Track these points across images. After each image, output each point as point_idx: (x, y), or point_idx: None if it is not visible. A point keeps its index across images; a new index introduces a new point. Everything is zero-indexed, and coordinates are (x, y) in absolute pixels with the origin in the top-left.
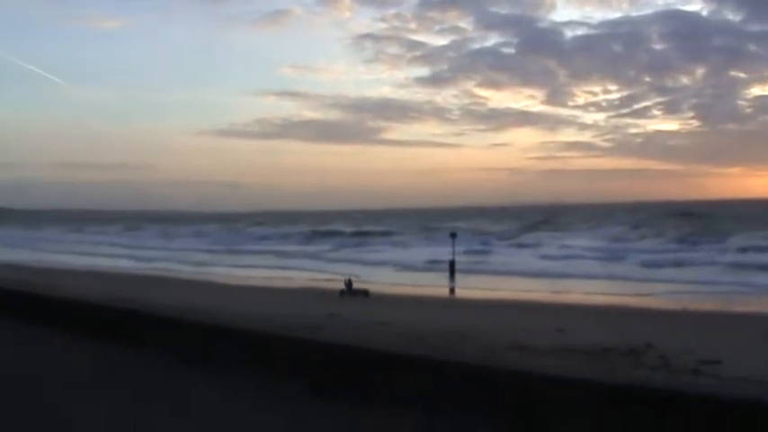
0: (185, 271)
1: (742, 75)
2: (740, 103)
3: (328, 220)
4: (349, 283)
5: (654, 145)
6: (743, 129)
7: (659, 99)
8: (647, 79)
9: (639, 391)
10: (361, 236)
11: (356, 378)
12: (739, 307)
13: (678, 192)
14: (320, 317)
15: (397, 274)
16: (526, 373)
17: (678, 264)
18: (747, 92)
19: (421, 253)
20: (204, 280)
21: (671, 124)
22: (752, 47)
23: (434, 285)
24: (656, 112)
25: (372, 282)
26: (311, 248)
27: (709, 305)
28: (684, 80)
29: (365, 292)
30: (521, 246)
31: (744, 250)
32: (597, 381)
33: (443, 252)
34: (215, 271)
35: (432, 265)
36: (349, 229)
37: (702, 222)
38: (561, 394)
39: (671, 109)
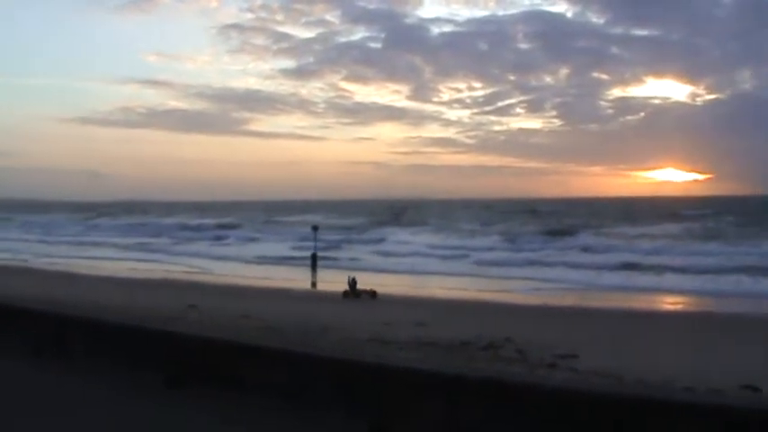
0: (31, 261)
1: (604, 76)
2: (602, 103)
3: (186, 210)
4: (353, 283)
5: (517, 143)
6: (604, 129)
7: (523, 97)
8: (512, 78)
9: (493, 383)
10: (221, 228)
11: (212, 369)
12: (594, 303)
13: (540, 189)
14: (179, 309)
15: (256, 267)
16: (380, 365)
17: (527, 262)
18: (609, 93)
19: (281, 246)
20: (46, 270)
21: (534, 123)
22: (614, 49)
23: (296, 279)
24: (519, 110)
25: (228, 275)
26: (161, 241)
27: (567, 301)
28: (548, 79)
29: (372, 293)
30: (367, 241)
31: (586, 249)
32: (451, 373)
33: (304, 245)
34: (62, 261)
35: (289, 260)
36: (208, 221)
37: (554, 220)
38: (413, 385)
39: (534, 108)
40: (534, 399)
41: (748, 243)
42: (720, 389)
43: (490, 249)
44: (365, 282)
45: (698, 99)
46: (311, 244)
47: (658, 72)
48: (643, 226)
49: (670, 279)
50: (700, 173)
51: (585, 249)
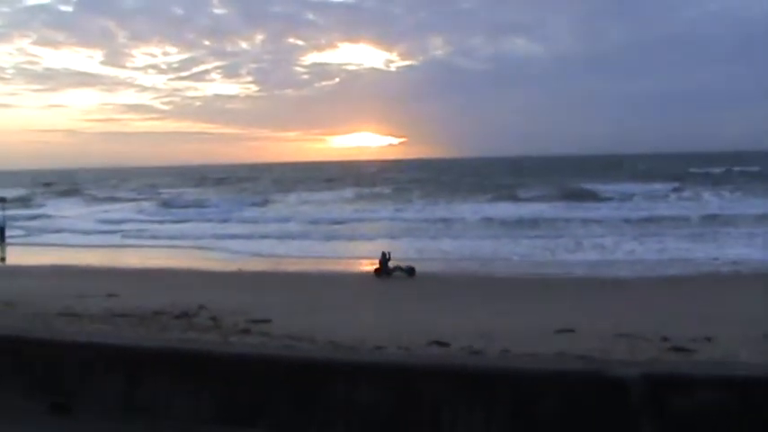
0: None
1: (300, 42)
2: (297, 69)
3: None
4: (386, 259)
5: (213, 108)
6: (300, 94)
7: (218, 63)
8: (207, 43)
9: (174, 354)
10: None
11: None
12: (288, 268)
13: (236, 155)
14: None
15: None
16: (59, 342)
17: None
18: (304, 58)
19: None
20: None
21: (230, 88)
22: (310, 15)
23: None
24: (215, 75)
25: None
26: None
27: (260, 266)
28: (244, 45)
29: (410, 270)
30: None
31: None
32: (130, 345)
33: None
34: None
35: None
36: None
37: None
38: (93, 360)
39: (230, 73)
40: (218, 367)
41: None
42: (409, 346)
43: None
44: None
45: (392, 65)
46: None
47: (353, 38)
48: (329, 191)
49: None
50: (395, 137)
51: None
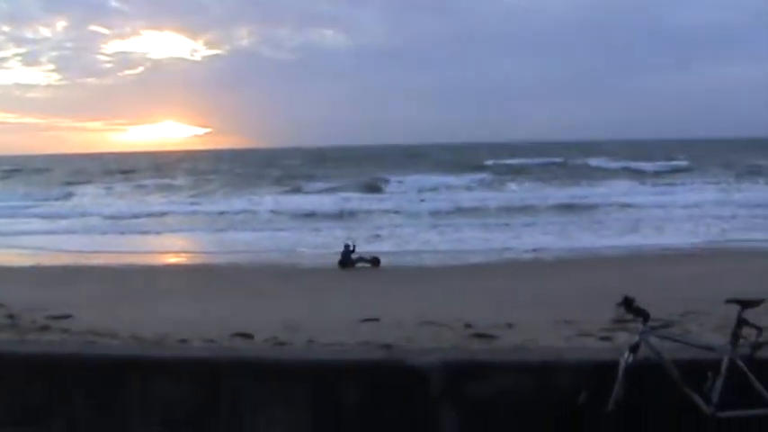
0: None
1: (103, 29)
2: (100, 57)
3: None
4: (349, 250)
5: (12, 97)
6: (102, 83)
7: (18, 50)
8: (6, 29)
9: None
10: None
11: None
12: (90, 261)
13: (37, 146)
14: None
15: None
16: None
17: None
18: (107, 46)
19: None
20: None
21: (30, 76)
22: (114, 2)
23: None
24: (14, 63)
25: None
26: None
27: (59, 261)
28: (44, 32)
29: (375, 261)
30: None
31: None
32: None
33: None
34: None
35: None
36: None
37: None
38: None
39: (30, 61)
40: (7, 367)
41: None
42: (214, 339)
43: None
44: None
45: (198, 54)
46: None
47: (158, 26)
48: (128, 182)
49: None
50: (200, 127)
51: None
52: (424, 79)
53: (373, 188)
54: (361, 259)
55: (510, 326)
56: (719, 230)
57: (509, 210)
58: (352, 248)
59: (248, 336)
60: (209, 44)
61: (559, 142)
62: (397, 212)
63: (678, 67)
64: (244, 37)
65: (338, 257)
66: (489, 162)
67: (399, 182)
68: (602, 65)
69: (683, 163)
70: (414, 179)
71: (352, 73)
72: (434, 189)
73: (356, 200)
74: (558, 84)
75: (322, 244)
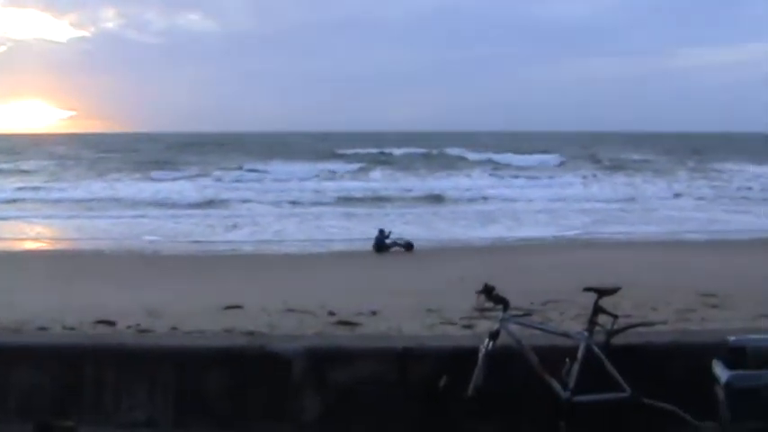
0: None
1: None
2: None
3: None
4: (384, 236)
5: None
6: None
7: None
8: None
9: None
10: None
11: None
12: None
13: None
14: None
15: None
16: None
17: None
18: None
19: None
20: None
21: None
22: None
23: None
24: None
25: None
26: None
27: None
28: None
29: (408, 245)
30: None
31: None
32: None
33: None
34: None
35: None
36: None
37: None
38: None
39: None
40: None
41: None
42: (75, 326)
43: None
44: None
45: (62, 35)
46: None
47: (20, 5)
48: None
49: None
50: (64, 110)
51: None
52: (290, 67)
53: (234, 176)
54: (395, 244)
55: (374, 313)
56: (582, 223)
57: (372, 200)
58: (387, 234)
59: (110, 323)
60: (74, 25)
61: (426, 132)
62: (257, 201)
63: (549, 59)
64: (110, 19)
65: (205, 245)
66: (351, 151)
67: (261, 170)
68: (472, 56)
69: (550, 156)
70: (276, 167)
71: (220, 58)
72: (296, 178)
73: (216, 187)
74: (426, 74)
75: (181, 231)
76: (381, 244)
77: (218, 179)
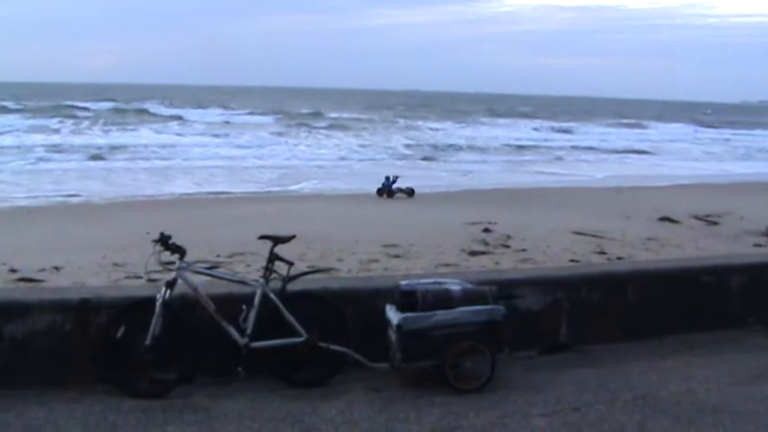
0: None
1: None
2: None
3: None
4: (390, 182)
5: None
6: None
7: None
8: None
9: None
10: None
11: None
12: None
13: None
14: None
15: None
16: None
17: None
18: None
19: None
20: None
21: None
22: None
23: None
24: None
25: None
26: None
27: None
28: None
29: (409, 192)
30: None
31: None
32: None
33: None
34: None
35: None
36: None
37: None
38: None
39: None
40: None
41: None
42: None
43: None
44: None
45: None
46: None
47: None
48: None
49: None
50: None
51: None
52: None
53: None
54: (399, 190)
55: (57, 269)
56: (275, 178)
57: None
58: (393, 180)
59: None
60: None
61: (120, 85)
62: None
63: (249, 15)
64: None
65: None
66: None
67: None
68: (172, 7)
69: (234, 112)
70: None
71: None
72: None
73: None
74: (123, 24)
75: None
76: None
77: None
